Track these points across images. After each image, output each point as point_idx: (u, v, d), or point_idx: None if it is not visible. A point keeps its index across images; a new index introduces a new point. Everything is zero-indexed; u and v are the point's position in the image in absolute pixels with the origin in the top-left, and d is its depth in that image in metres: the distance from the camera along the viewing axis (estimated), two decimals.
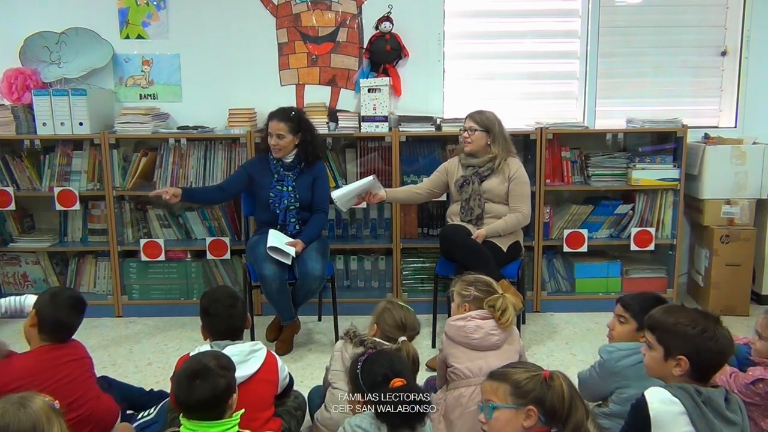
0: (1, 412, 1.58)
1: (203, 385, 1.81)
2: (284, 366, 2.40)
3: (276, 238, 3.43)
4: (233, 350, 2.22)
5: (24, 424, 1.59)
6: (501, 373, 1.78)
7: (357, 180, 3.67)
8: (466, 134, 3.53)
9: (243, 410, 1.90)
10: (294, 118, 3.57)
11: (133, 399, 2.65)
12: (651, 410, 1.73)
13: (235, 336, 2.35)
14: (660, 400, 1.76)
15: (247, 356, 2.24)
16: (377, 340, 2.40)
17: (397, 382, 1.84)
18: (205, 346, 2.27)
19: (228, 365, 1.92)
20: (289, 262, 3.40)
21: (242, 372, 2.19)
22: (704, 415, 1.73)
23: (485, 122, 3.51)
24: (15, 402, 1.61)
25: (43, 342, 2.30)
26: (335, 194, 3.49)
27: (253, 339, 3.08)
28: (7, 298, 2.61)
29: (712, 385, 1.86)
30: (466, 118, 3.56)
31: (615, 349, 2.43)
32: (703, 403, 1.75)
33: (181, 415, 1.85)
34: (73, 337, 2.40)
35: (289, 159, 3.61)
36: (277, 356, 2.37)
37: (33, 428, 1.59)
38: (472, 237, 3.36)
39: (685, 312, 1.92)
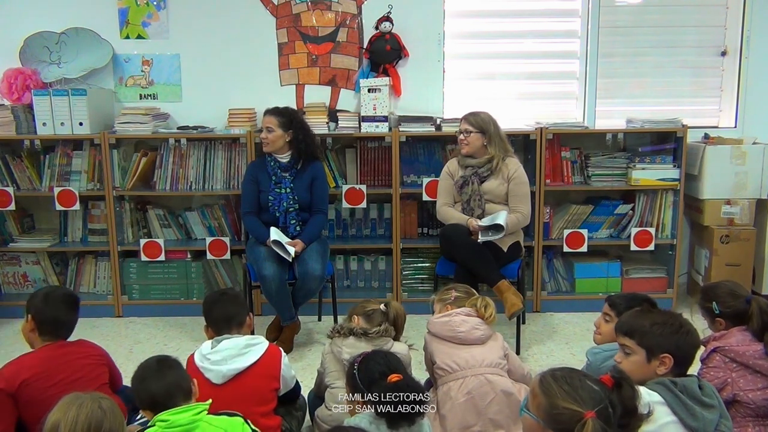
0: (88, 410, 1.58)
1: (166, 374, 1.88)
2: (290, 366, 2.40)
3: (278, 234, 3.45)
4: (228, 344, 2.26)
5: (118, 417, 1.63)
6: (547, 385, 1.58)
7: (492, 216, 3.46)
8: (462, 137, 3.54)
9: (210, 401, 1.89)
10: (285, 113, 3.58)
11: (134, 401, 2.64)
12: None
13: (229, 325, 2.38)
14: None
15: (242, 350, 2.25)
16: (363, 326, 2.48)
17: (394, 377, 1.87)
18: (206, 344, 2.29)
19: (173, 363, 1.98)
20: (290, 260, 3.40)
21: (236, 365, 2.21)
22: (683, 403, 1.78)
23: (480, 124, 3.51)
24: (89, 400, 1.61)
25: (45, 342, 2.31)
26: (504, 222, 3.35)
27: None
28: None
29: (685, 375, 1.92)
30: (461, 120, 3.58)
31: (600, 350, 2.45)
32: (680, 392, 1.80)
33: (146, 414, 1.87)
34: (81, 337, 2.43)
35: (284, 159, 3.61)
36: (282, 352, 2.38)
37: (121, 424, 1.63)
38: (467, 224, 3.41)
39: (656, 313, 2.00)
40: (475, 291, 2.72)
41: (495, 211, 3.45)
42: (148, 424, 1.84)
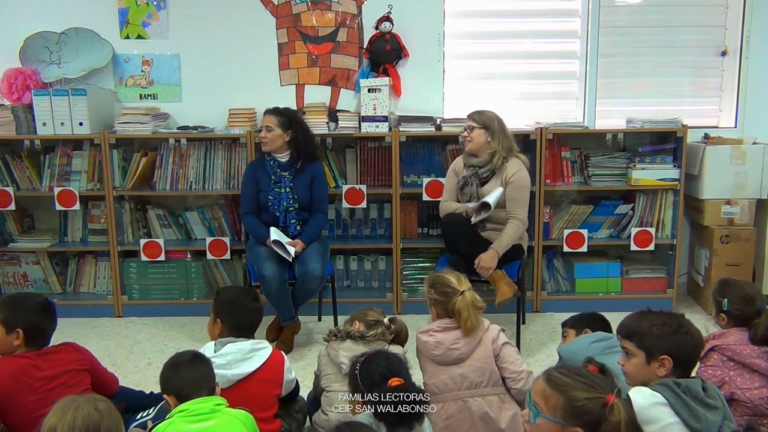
0: (85, 413, 1.59)
1: (199, 366, 1.98)
2: (291, 368, 2.40)
3: (278, 234, 3.45)
4: (232, 348, 2.24)
5: (115, 419, 1.64)
6: (560, 382, 1.59)
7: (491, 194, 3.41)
8: (465, 133, 3.52)
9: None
10: (285, 113, 3.59)
11: (133, 402, 2.63)
12: (635, 406, 1.74)
13: (253, 332, 2.43)
14: (642, 396, 1.79)
15: (246, 354, 2.24)
16: (362, 329, 2.46)
17: (394, 381, 1.86)
18: (209, 345, 2.28)
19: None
20: (290, 259, 3.40)
21: (240, 370, 2.20)
22: (686, 404, 1.77)
23: (484, 120, 3.49)
24: (85, 403, 1.62)
25: (27, 350, 2.27)
26: (491, 200, 3.33)
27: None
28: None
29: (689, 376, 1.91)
30: (466, 117, 3.57)
31: (567, 347, 2.60)
32: (684, 393, 1.79)
33: (172, 405, 1.90)
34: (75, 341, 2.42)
35: (283, 158, 3.61)
36: (285, 358, 2.37)
37: (119, 425, 1.65)
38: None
39: (655, 314, 1.98)
40: (455, 286, 2.42)
41: (494, 215, 3.42)
42: (167, 417, 1.87)
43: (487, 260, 3.30)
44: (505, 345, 2.43)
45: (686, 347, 1.90)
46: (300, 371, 3.16)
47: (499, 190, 3.39)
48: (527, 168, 3.53)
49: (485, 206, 3.33)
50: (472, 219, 3.34)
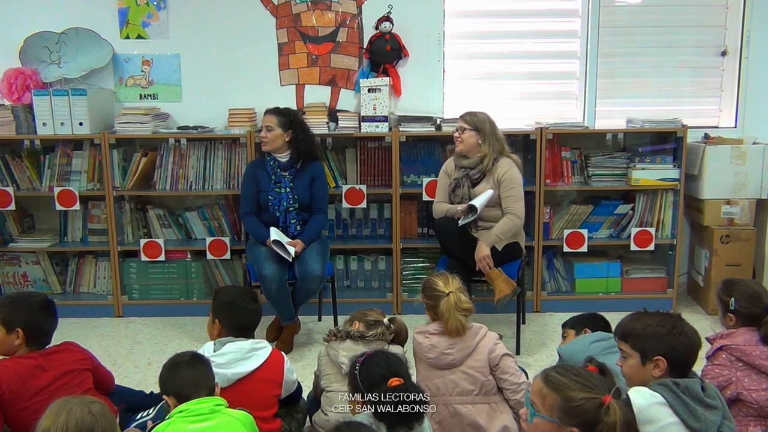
0: (78, 415, 1.58)
1: (198, 367, 1.98)
2: (292, 370, 2.40)
3: (278, 234, 3.45)
4: (232, 347, 2.24)
5: (110, 421, 1.63)
6: (557, 382, 1.59)
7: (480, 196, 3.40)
8: (457, 134, 3.53)
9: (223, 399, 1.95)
10: (285, 113, 3.60)
11: (133, 402, 2.64)
12: (634, 406, 1.74)
13: (251, 332, 2.42)
14: (641, 396, 1.80)
15: (246, 354, 2.25)
16: (362, 329, 2.45)
17: (394, 381, 1.86)
18: (209, 345, 2.28)
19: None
20: (290, 259, 3.40)
21: (240, 369, 2.20)
22: (685, 404, 1.77)
23: (475, 122, 3.49)
24: (78, 405, 1.61)
25: (29, 350, 2.27)
26: (478, 203, 3.32)
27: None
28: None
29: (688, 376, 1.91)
30: (459, 118, 3.57)
31: (566, 347, 2.61)
32: (683, 393, 1.79)
33: (172, 406, 1.91)
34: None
35: (284, 158, 3.61)
36: (285, 357, 2.37)
37: (113, 427, 1.65)
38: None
39: (650, 315, 1.98)
40: (441, 289, 2.40)
41: (487, 215, 3.42)
42: (167, 417, 1.87)
43: (478, 252, 3.31)
44: (505, 357, 2.40)
45: (681, 348, 1.89)
46: (300, 371, 3.16)
47: (488, 193, 3.38)
48: (519, 167, 3.53)
49: (472, 209, 3.32)
50: (459, 221, 3.34)
